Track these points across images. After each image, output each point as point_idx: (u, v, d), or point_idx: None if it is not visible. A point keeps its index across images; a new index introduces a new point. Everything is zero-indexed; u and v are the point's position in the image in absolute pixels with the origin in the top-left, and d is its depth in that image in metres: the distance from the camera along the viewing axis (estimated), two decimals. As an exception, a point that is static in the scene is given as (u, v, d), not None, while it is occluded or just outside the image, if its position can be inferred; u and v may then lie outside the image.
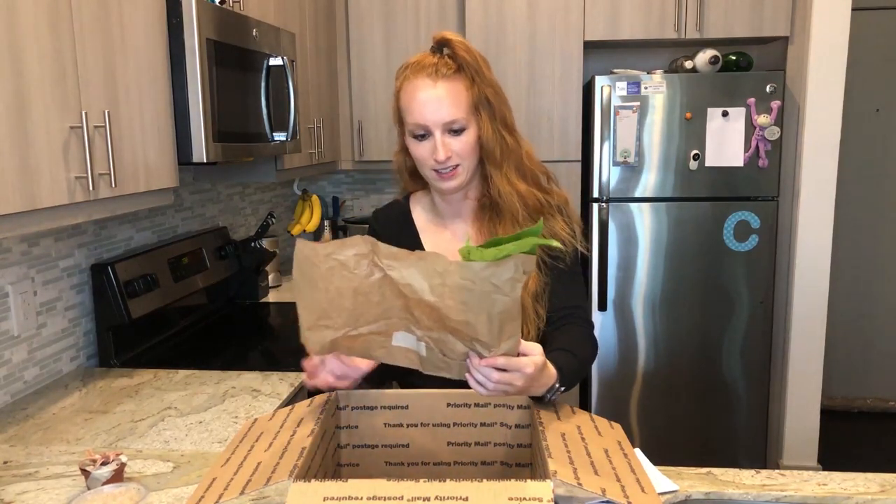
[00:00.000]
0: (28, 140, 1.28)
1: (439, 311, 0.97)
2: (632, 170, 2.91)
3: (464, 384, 1.16)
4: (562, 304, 1.34)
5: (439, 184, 1.33)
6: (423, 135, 1.29)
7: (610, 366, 3.03)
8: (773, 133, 2.83)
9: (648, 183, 2.92)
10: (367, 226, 1.50)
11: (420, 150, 1.31)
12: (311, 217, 3.31)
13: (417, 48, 3.09)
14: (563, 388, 1.15)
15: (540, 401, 1.13)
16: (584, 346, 1.33)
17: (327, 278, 1.00)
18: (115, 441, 1.48)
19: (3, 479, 1.30)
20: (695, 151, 2.87)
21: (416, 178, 1.44)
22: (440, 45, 1.32)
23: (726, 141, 2.85)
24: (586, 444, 1.00)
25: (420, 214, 1.46)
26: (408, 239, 1.41)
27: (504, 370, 1.02)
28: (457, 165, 1.30)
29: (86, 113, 1.41)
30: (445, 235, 1.42)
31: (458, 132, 1.29)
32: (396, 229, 1.44)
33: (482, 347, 1.00)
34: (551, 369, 1.13)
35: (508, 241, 0.96)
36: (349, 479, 0.87)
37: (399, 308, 1.01)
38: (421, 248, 1.41)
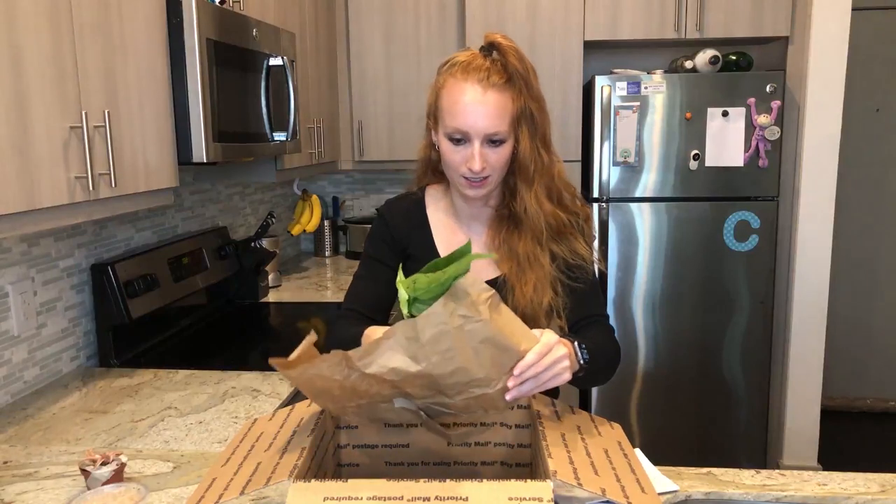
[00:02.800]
0: (28, 140, 1.28)
1: (430, 377, 0.97)
2: (632, 170, 2.91)
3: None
4: (584, 315, 1.34)
5: (465, 190, 1.31)
6: (461, 140, 1.26)
7: (610, 366, 3.03)
8: (773, 133, 2.83)
9: (648, 183, 2.92)
10: (377, 216, 1.45)
11: (454, 155, 1.27)
12: (311, 217, 3.31)
13: (417, 48, 3.11)
14: (586, 351, 1.15)
15: (575, 379, 1.14)
16: (603, 339, 1.31)
17: (309, 383, 1.01)
18: (115, 441, 1.48)
19: (3, 479, 1.30)
20: (695, 151, 2.87)
21: (437, 175, 1.41)
22: (490, 48, 1.27)
23: (726, 141, 2.85)
24: (586, 444, 1.00)
25: (435, 211, 1.42)
26: (420, 236, 1.40)
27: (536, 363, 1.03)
28: (487, 176, 1.28)
29: (86, 113, 1.41)
30: (459, 237, 1.40)
31: (496, 144, 1.25)
32: (409, 224, 1.41)
33: (480, 387, 1.00)
34: (563, 341, 1.12)
35: (445, 262, 0.97)
36: (349, 479, 0.87)
37: (389, 388, 1.02)
38: (433, 246, 1.39)
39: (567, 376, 1.07)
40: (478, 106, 1.22)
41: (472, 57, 1.27)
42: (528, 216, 1.31)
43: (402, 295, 1.02)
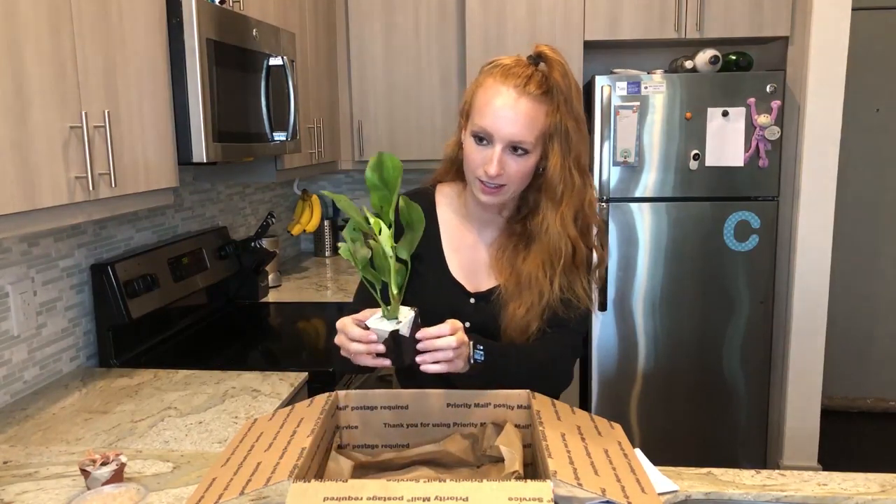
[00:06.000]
0: (28, 140, 1.28)
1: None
2: (632, 170, 2.91)
3: (463, 384, 1.17)
4: (551, 324, 1.31)
5: (479, 194, 1.28)
6: (484, 140, 1.24)
7: (610, 366, 3.03)
8: (773, 133, 2.83)
9: (648, 183, 2.91)
10: None
11: (475, 153, 1.25)
12: (311, 217, 3.31)
13: (417, 48, 3.11)
14: (481, 351, 1.18)
15: (469, 378, 1.18)
16: (537, 348, 1.29)
17: None
18: (115, 441, 1.48)
19: (3, 479, 1.30)
20: (695, 151, 2.87)
21: (459, 174, 1.37)
22: (538, 58, 1.26)
23: (726, 141, 2.85)
24: (586, 445, 1.00)
25: (446, 210, 1.39)
26: (427, 233, 1.37)
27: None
28: (503, 185, 1.25)
29: (86, 113, 1.41)
30: (468, 240, 1.37)
31: (519, 153, 1.23)
32: None
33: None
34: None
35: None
36: (349, 479, 0.87)
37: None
38: (439, 243, 1.36)
39: (459, 364, 1.14)
40: (508, 111, 1.21)
41: (515, 63, 1.25)
42: (549, 236, 1.27)
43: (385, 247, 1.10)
